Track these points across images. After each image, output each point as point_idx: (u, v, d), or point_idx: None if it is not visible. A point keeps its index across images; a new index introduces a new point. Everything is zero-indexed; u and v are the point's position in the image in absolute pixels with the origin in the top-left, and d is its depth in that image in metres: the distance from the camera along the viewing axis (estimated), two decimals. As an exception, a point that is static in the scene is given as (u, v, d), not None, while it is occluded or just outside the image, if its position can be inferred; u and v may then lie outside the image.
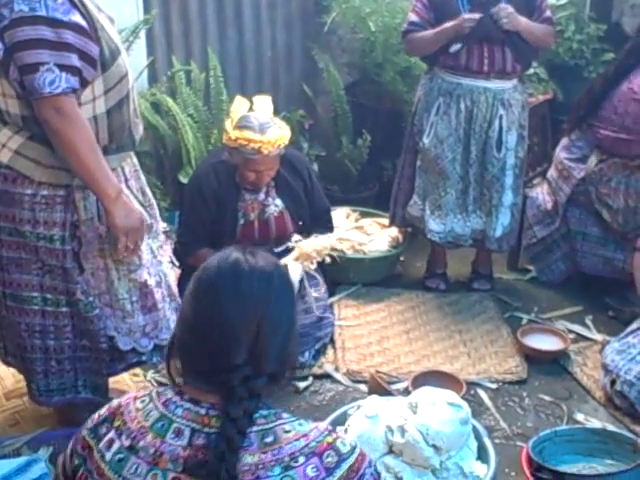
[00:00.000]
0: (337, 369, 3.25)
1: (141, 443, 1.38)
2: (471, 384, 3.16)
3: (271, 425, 1.39)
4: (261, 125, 3.10)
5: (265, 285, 1.44)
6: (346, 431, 2.46)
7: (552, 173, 3.87)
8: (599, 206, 3.66)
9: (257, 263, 1.45)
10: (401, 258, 4.11)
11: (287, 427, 1.39)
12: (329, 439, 1.39)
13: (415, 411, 2.44)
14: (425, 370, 3.17)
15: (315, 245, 3.29)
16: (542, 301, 3.83)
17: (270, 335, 1.41)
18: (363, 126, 4.51)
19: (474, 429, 2.54)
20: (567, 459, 2.69)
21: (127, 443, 1.39)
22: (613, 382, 3.06)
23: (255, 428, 1.37)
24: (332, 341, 3.43)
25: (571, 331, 3.54)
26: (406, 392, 2.92)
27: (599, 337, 3.49)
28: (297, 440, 1.37)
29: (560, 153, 3.81)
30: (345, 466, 1.37)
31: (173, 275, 2.80)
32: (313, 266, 3.32)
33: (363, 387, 3.12)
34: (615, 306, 3.66)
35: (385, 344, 3.45)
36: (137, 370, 3.16)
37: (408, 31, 3.55)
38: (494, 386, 3.19)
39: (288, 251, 3.31)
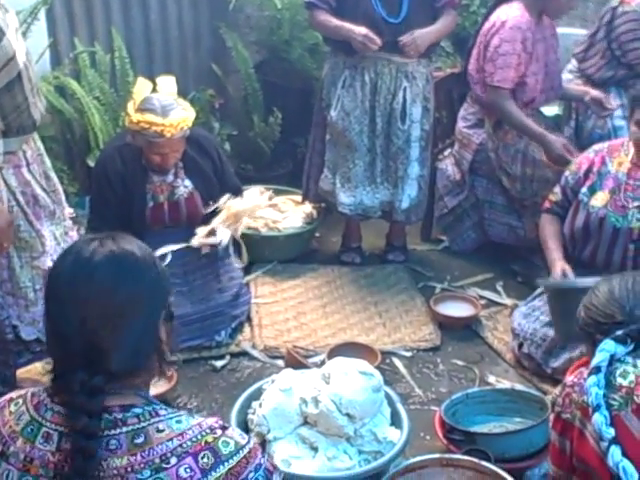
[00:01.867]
0: (254, 346, 3.26)
1: (12, 448, 1.33)
2: (386, 353, 3.22)
3: (144, 424, 1.32)
4: (163, 107, 3.05)
5: (83, 281, 1.34)
6: (261, 405, 2.49)
7: (455, 145, 3.97)
8: (499, 173, 3.77)
9: (85, 258, 1.35)
10: (316, 234, 4.14)
11: (161, 426, 1.32)
12: (208, 438, 1.32)
13: (328, 382, 2.47)
14: (341, 342, 3.22)
15: (245, 204, 3.30)
16: (454, 270, 3.92)
17: (102, 331, 1.31)
18: (274, 104, 4.50)
19: (387, 396, 2.59)
20: (479, 420, 2.78)
21: None
22: (521, 345, 3.16)
23: (125, 429, 1.31)
24: (249, 319, 3.44)
25: (482, 297, 3.64)
26: (323, 365, 2.95)
27: (509, 302, 3.61)
28: (170, 440, 1.31)
29: (459, 124, 3.92)
30: (223, 469, 1.30)
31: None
32: (239, 231, 3.33)
33: (280, 363, 3.14)
34: (522, 272, 3.77)
35: (302, 319, 3.48)
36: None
37: (310, 5, 3.56)
38: (409, 354, 3.26)
39: (216, 213, 3.30)
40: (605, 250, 2.98)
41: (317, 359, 3.16)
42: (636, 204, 2.93)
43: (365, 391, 2.44)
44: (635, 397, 1.58)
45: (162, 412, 1.35)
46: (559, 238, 3.10)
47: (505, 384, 3.03)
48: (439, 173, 4.04)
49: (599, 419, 1.55)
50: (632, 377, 1.62)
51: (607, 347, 1.65)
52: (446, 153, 4.12)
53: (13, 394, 1.41)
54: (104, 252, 1.36)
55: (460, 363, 3.22)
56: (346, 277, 3.83)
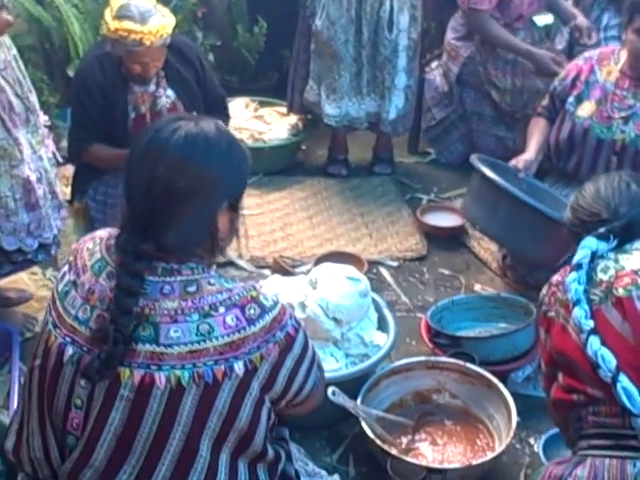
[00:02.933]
0: (240, 256, 3.26)
1: (81, 279, 1.50)
2: (373, 263, 3.23)
3: (197, 277, 1.45)
4: (142, 14, 2.93)
5: (153, 158, 1.44)
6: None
7: (443, 56, 3.90)
8: (488, 87, 3.73)
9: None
10: (302, 146, 4.09)
11: (212, 280, 1.46)
12: (253, 293, 1.46)
13: (315, 287, 2.48)
14: (328, 252, 3.22)
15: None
16: (441, 182, 3.90)
17: (162, 208, 1.43)
18: (259, 13, 4.39)
19: (374, 301, 2.61)
20: (464, 326, 2.81)
21: (73, 278, 1.51)
22: (504, 257, 3.18)
23: (179, 278, 1.44)
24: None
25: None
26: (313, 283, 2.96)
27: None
28: (220, 293, 1.44)
29: (447, 34, 3.85)
30: (268, 317, 1.45)
31: (54, 172, 2.71)
32: None
33: (267, 272, 3.14)
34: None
35: (288, 230, 3.48)
36: (35, 269, 3.10)
37: None
38: (395, 264, 3.27)
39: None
40: (589, 162, 2.98)
41: (304, 269, 3.15)
42: (622, 115, 2.90)
43: (352, 296, 2.45)
44: (615, 290, 1.59)
45: (212, 272, 1.50)
46: (542, 135, 3.08)
47: (491, 291, 3.05)
48: (427, 84, 3.98)
49: (579, 313, 1.57)
50: (612, 272, 1.62)
51: (588, 244, 1.66)
52: (434, 65, 4.05)
53: (96, 234, 1.57)
54: (180, 133, 1.45)
55: (446, 272, 3.23)
56: (332, 189, 3.81)
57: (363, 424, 2.24)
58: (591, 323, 1.56)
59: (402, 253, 3.32)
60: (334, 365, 2.37)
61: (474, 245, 3.38)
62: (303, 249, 3.33)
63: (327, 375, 2.31)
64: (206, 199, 1.46)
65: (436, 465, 2.21)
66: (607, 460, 1.48)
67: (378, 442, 2.19)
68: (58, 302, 1.51)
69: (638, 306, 1.57)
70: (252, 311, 1.44)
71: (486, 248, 3.34)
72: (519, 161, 2.98)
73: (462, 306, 2.85)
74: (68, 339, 1.47)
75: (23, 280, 3.05)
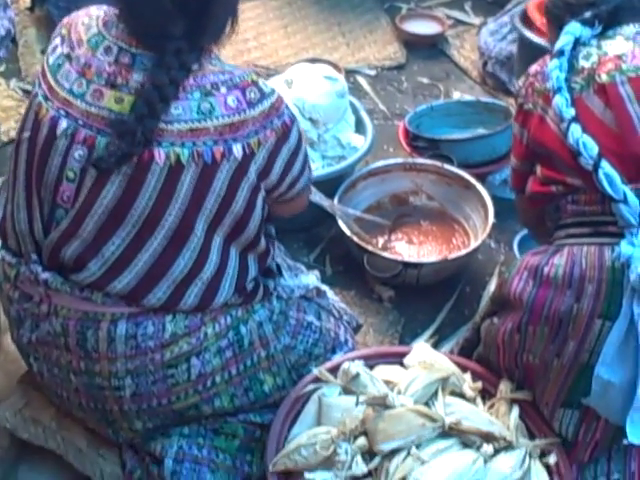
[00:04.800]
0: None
1: (76, 52, 1.46)
2: (350, 72, 3.14)
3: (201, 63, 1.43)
4: None
5: None
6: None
7: None
8: None
9: None
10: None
11: (214, 62, 1.45)
12: (253, 77, 1.45)
13: (290, 86, 2.40)
14: (303, 60, 3.09)
15: None
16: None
17: (217, 9, 1.42)
18: None
19: (351, 104, 2.54)
20: (443, 131, 2.75)
21: (66, 50, 1.48)
22: (485, 63, 3.09)
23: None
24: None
25: (450, 17, 3.49)
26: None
27: (477, 21, 3.47)
28: (222, 73, 1.43)
29: None
30: (267, 103, 1.45)
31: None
32: None
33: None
34: None
35: (262, 39, 3.35)
36: (0, 80, 2.99)
37: None
38: (373, 72, 3.17)
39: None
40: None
41: (279, 78, 3.05)
42: None
43: (329, 96, 2.38)
44: (597, 77, 1.53)
45: (213, 55, 1.47)
46: None
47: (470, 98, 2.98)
48: None
49: (560, 101, 1.51)
50: (595, 58, 1.55)
51: (572, 30, 1.57)
52: None
53: (90, 10, 1.52)
54: None
55: (425, 81, 3.15)
56: (308, -1, 3.63)
57: (340, 223, 2.23)
58: (572, 111, 1.51)
59: (380, 62, 3.21)
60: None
61: (454, 54, 3.28)
62: (278, 58, 3.22)
63: (303, 174, 2.29)
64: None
65: (412, 260, 2.23)
66: (585, 247, 1.48)
67: (355, 239, 2.20)
68: (49, 75, 1.47)
69: (621, 91, 1.51)
70: (252, 94, 1.44)
71: (466, 57, 3.25)
72: None
73: (441, 112, 2.78)
74: (62, 112, 1.44)
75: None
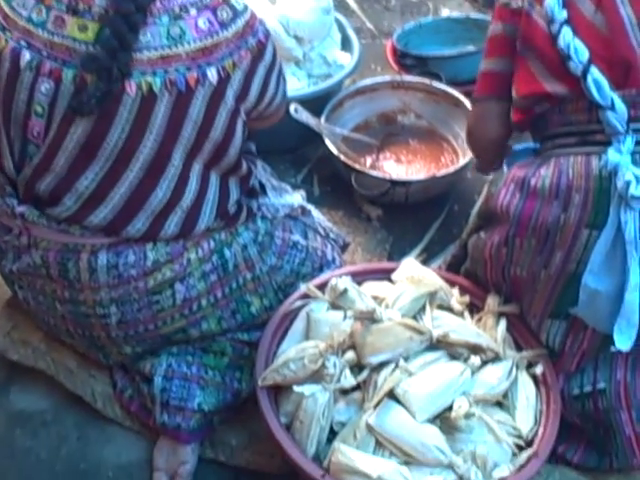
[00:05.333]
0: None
1: None
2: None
3: None
4: None
5: None
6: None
7: None
8: None
9: None
10: None
11: None
12: None
13: (274, 3, 2.33)
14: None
15: None
16: None
17: None
18: None
19: (337, 22, 2.48)
20: (432, 49, 2.69)
21: None
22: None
23: None
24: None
25: None
26: None
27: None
28: None
29: None
30: (241, 22, 1.40)
31: None
32: None
33: None
34: None
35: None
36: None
37: None
38: (360, -10, 3.10)
39: None
40: None
41: None
42: None
43: (314, 12, 2.32)
44: None
45: None
46: None
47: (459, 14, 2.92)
48: None
49: (552, 1, 1.47)
50: None
51: None
52: None
53: None
54: None
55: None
56: None
57: (327, 142, 2.20)
58: (564, 13, 1.47)
59: (367, -21, 3.13)
60: (296, 85, 2.29)
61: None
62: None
63: (289, 94, 2.25)
64: None
65: (400, 178, 2.21)
66: (572, 157, 1.45)
67: (342, 158, 2.17)
68: (3, 3, 1.40)
69: None
70: (224, 14, 1.38)
71: None
72: None
73: (429, 29, 2.72)
74: (23, 43, 1.37)
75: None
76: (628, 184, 1.33)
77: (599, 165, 1.40)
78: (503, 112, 1.61)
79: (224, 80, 1.39)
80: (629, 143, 1.38)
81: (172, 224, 1.50)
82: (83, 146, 1.39)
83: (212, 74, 1.37)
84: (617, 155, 1.37)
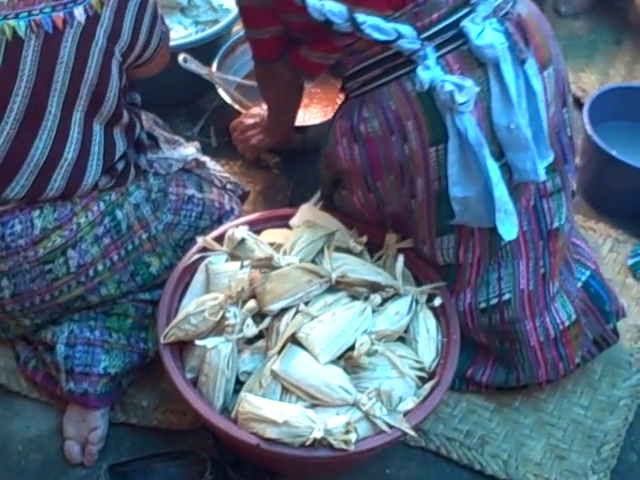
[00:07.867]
0: None
1: None
2: None
3: None
4: None
5: None
6: None
7: None
8: None
9: None
10: None
11: None
12: None
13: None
14: None
15: None
16: None
17: None
18: None
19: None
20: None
21: None
22: None
23: None
24: None
25: None
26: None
27: None
28: None
29: None
30: None
31: None
32: None
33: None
34: None
35: None
36: None
37: None
38: None
39: None
40: None
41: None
42: None
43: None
44: None
45: None
46: None
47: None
48: None
49: None
50: None
51: None
52: None
53: None
54: None
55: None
56: None
57: (220, 91, 2.15)
58: None
59: None
60: (182, 33, 2.23)
61: None
62: None
63: (175, 43, 2.18)
64: None
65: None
66: (384, 88, 1.41)
67: (237, 107, 2.13)
68: None
69: None
70: None
71: None
72: None
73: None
74: None
75: None
76: (452, 93, 1.32)
77: (414, 86, 1.37)
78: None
79: (92, 19, 1.34)
80: (431, 54, 1.35)
81: (58, 179, 1.45)
82: None
83: (79, 13, 1.32)
84: (427, 72, 1.35)
